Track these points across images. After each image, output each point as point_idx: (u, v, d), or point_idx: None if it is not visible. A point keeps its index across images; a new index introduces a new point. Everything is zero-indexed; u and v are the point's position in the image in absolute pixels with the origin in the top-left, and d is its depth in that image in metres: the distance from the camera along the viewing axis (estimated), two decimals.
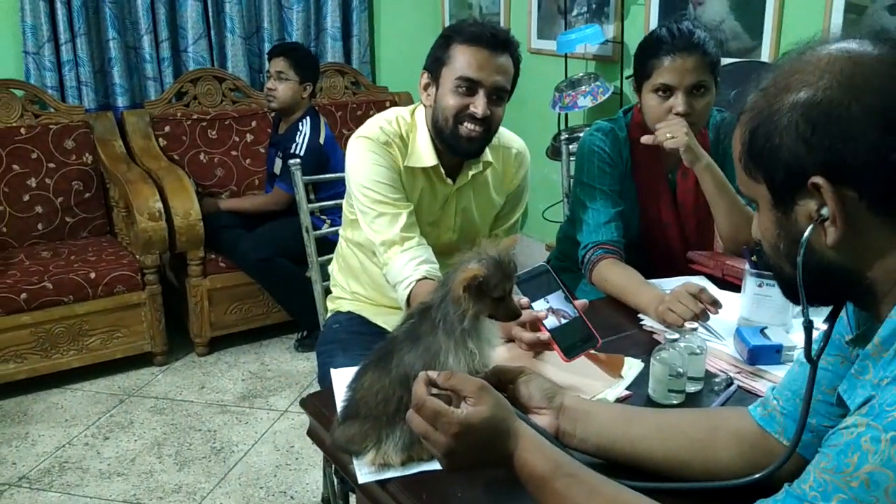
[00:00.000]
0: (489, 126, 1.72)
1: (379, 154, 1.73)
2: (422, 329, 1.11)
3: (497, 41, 1.68)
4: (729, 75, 2.30)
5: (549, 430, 1.09)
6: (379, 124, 1.78)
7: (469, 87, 1.68)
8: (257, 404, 2.96)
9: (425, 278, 1.62)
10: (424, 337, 1.10)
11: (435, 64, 1.73)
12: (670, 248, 1.98)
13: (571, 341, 1.34)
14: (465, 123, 1.70)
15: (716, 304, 1.51)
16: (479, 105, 1.68)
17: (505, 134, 1.91)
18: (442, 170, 1.79)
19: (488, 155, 1.84)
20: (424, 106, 1.80)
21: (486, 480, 1.09)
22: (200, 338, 3.34)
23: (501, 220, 1.96)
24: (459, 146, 1.74)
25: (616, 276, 1.78)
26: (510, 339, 1.45)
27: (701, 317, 1.51)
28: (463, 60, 1.67)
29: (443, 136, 1.74)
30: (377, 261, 1.79)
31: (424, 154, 1.77)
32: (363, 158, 1.73)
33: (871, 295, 0.84)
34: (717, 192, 1.83)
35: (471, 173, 1.82)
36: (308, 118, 3.37)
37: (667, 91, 1.82)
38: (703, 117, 1.86)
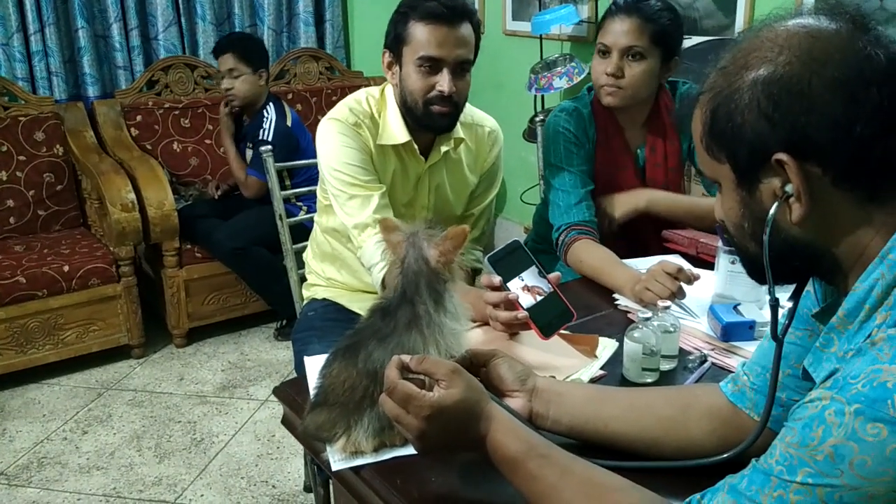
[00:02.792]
0: (457, 101, 1.71)
1: (349, 136, 1.71)
2: (389, 327, 1.09)
3: (455, 14, 1.65)
4: (702, 53, 2.30)
5: (522, 412, 1.09)
6: (349, 105, 1.76)
7: (432, 65, 1.66)
8: (237, 394, 2.95)
9: None
10: (393, 334, 1.08)
11: (395, 42, 1.70)
12: (640, 224, 1.97)
13: (547, 319, 1.34)
14: (434, 104, 1.68)
15: (692, 279, 1.53)
16: (444, 84, 1.66)
17: (477, 113, 1.90)
18: (415, 146, 1.78)
19: (460, 131, 1.83)
20: (391, 84, 1.77)
21: (460, 465, 1.08)
22: (178, 329, 3.31)
23: (476, 200, 1.94)
24: (432, 124, 1.73)
25: (591, 256, 1.78)
26: (484, 322, 1.44)
27: (678, 295, 1.51)
28: (422, 38, 1.64)
29: (414, 116, 1.72)
30: (352, 246, 1.77)
31: (396, 131, 1.75)
32: (333, 141, 1.71)
33: (836, 270, 0.84)
34: (672, 213, 1.91)
35: (443, 149, 1.80)
36: (271, 104, 3.33)
37: (604, 51, 1.86)
38: (637, 85, 1.85)
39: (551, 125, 1.95)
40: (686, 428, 1.06)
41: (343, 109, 1.75)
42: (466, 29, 1.67)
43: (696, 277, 1.55)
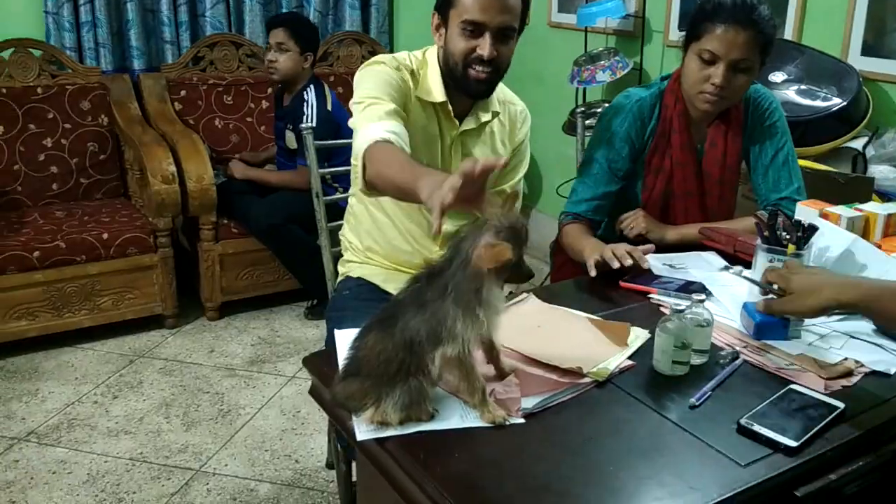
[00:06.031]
0: (498, 66, 1.74)
1: (390, 70, 1.75)
2: (428, 294, 1.11)
3: None
4: None
5: None
6: (392, 55, 1.83)
7: (474, 29, 1.69)
8: (265, 369, 2.98)
9: (388, 142, 1.55)
10: (431, 303, 1.10)
11: (443, 5, 1.74)
12: (690, 218, 1.97)
13: None
14: (474, 66, 1.72)
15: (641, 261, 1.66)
16: (485, 48, 1.69)
17: (508, 92, 1.94)
18: (450, 107, 1.81)
19: (496, 105, 1.87)
20: (437, 45, 1.81)
21: (483, 442, 1.09)
22: (211, 302, 3.36)
23: (507, 175, 1.95)
24: (469, 87, 1.76)
25: (572, 232, 1.92)
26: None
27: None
28: (467, 3, 1.68)
29: (454, 78, 1.76)
30: (389, 208, 1.86)
31: (434, 90, 1.79)
32: (373, 71, 1.76)
33: None
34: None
35: (482, 117, 1.84)
36: (312, 87, 3.32)
37: (710, 59, 1.80)
38: (737, 95, 1.85)
39: (610, 113, 1.97)
40: None
41: (386, 55, 1.81)
42: None
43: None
